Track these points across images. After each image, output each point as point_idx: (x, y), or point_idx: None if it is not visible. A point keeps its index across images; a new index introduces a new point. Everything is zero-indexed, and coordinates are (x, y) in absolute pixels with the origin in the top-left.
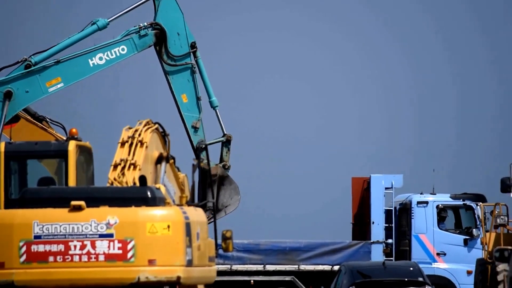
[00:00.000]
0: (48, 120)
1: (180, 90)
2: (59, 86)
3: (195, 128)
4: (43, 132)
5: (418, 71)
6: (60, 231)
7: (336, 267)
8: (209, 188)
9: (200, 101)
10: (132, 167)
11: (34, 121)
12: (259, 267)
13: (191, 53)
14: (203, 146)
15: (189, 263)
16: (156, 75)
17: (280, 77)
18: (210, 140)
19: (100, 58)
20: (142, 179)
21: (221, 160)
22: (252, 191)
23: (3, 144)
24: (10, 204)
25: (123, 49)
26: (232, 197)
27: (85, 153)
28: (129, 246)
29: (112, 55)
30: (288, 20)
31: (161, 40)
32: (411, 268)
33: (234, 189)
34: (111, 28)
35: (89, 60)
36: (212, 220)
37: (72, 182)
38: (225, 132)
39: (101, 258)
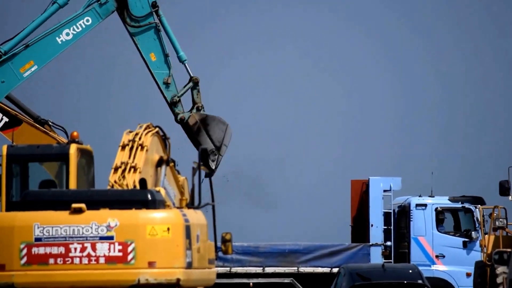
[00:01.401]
0: (50, 123)
1: (148, 49)
2: (33, 69)
3: (167, 84)
4: (45, 135)
5: (418, 75)
6: (61, 234)
7: (335, 270)
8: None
9: (168, 57)
10: (132, 170)
11: (36, 124)
12: (259, 270)
13: (154, 13)
14: (178, 99)
15: (189, 265)
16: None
17: (281, 80)
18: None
19: (67, 34)
20: (143, 182)
21: (194, 102)
22: (252, 193)
23: (5, 147)
24: (11, 206)
25: (87, 20)
26: (222, 128)
27: (86, 156)
28: (130, 249)
29: (78, 28)
30: (287, 22)
31: (122, 3)
32: (410, 271)
33: (219, 120)
34: (72, 3)
35: (57, 38)
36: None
37: (73, 185)
38: (191, 75)
39: (102, 260)
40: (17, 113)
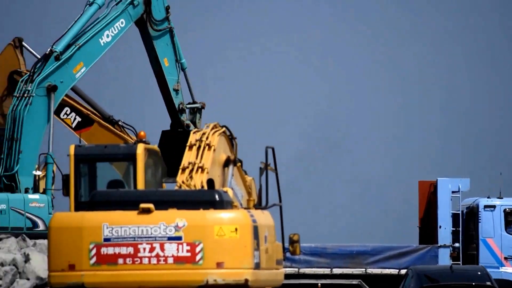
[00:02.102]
0: (120, 123)
1: (163, 54)
2: (82, 70)
3: (176, 91)
4: (116, 135)
5: (487, 72)
6: (130, 234)
7: (403, 271)
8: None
9: (178, 63)
10: (200, 170)
11: (107, 124)
12: (326, 271)
13: (167, 17)
14: (184, 107)
15: (257, 266)
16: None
17: (344, 83)
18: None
19: (107, 36)
20: (210, 182)
21: (195, 125)
22: (319, 195)
23: (72, 147)
24: (80, 206)
25: (122, 23)
26: None
27: (153, 156)
28: (198, 249)
29: (115, 30)
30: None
31: (147, 7)
32: (479, 272)
33: None
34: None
35: (100, 39)
36: None
37: (140, 185)
38: (195, 100)
39: (170, 260)
40: (89, 113)
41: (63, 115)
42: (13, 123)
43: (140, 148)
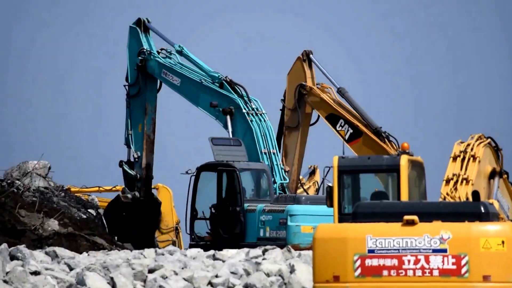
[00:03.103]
0: (385, 135)
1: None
2: None
3: None
4: (380, 147)
5: None
6: (393, 246)
7: None
8: None
9: None
10: (464, 182)
11: (373, 136)
12: None
13: None
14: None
15: None
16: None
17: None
18: None
19: None
20: (475, 194)
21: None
22: None
23: (336, 158)
24: (343, 218)
25: None
26: None
27: (417, 167)
28: (463, 262)
29: None
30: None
31: None
32: None
33: None
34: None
35: None
36: None
37: (404, 197)
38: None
39: (435, 273)
40: (358, 124)
41: (338, 127)
42: (263, 137)
43: (404, 160)
